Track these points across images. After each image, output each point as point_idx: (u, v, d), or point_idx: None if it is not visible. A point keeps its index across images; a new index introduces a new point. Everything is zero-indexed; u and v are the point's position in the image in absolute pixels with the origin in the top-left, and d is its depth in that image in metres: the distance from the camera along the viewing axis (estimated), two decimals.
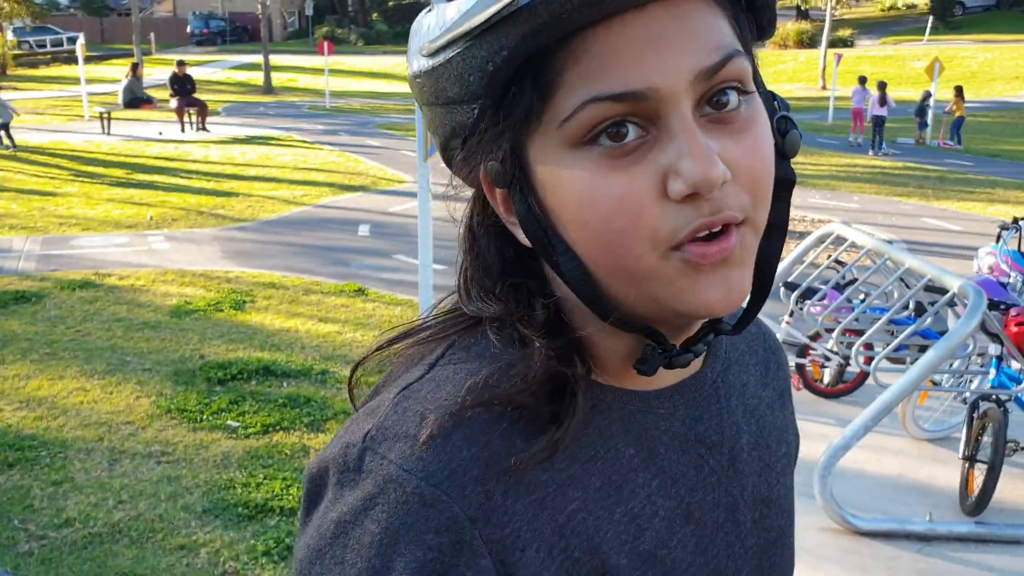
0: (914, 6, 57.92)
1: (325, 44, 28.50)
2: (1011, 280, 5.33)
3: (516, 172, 0.71)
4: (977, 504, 4.41)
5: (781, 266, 6.18)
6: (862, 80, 22.61)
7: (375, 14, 61.40)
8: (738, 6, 0.70)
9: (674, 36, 0.64)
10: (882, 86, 20.98)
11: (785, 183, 0.75)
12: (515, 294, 0.76)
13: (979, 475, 4.47)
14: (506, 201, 0.73)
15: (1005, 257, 5.46)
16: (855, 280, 5.73)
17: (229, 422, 5.54)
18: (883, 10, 59.16)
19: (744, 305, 0.78)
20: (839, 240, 5.84)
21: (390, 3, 60.36)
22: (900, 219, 13.04)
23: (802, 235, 8.32)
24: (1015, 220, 5.90)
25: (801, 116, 29.10)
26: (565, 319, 0.75)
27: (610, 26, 0.64)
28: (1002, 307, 4.72)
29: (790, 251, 6.28)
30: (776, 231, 0.75)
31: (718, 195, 0.65)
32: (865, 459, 5.16)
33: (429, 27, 0.70)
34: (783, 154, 0.74)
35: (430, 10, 0.71)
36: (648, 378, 0.76)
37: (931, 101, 22.35)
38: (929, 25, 48.00)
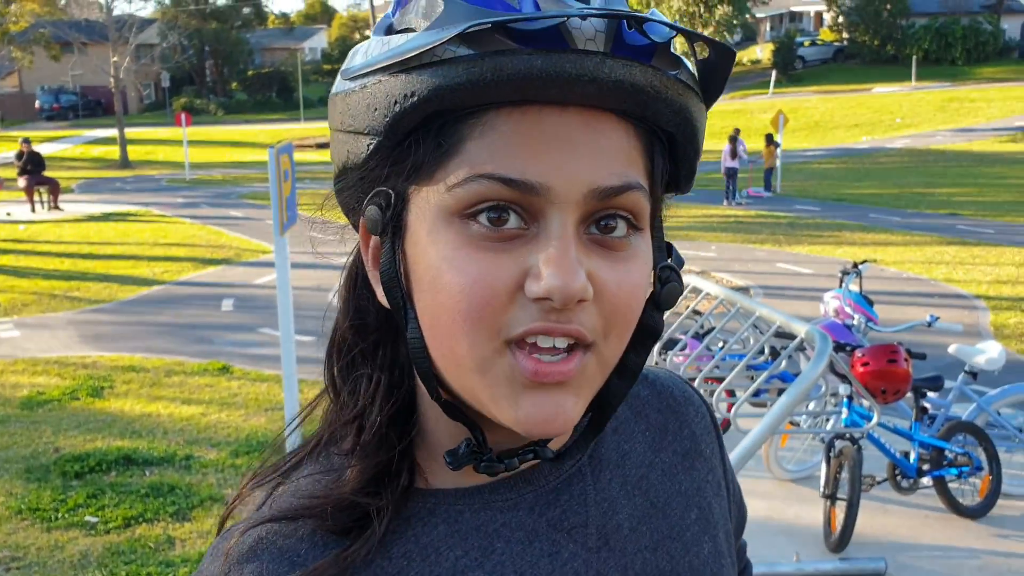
0: (758, 61, 61.50)
1: (183, 115, 27.92)
2: (855, 322, 5.64)
3: (392, 223, 0.69)
4: (840, 540, 4.58)
5: None
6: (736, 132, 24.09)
7: (234, 83, 60.65)
8: (658, 145, 0.70)
9: (583, 145, 0.64)
10: (732, 139, 22.10)
11: (650, 331, 0.72)
12: (365, 383, 0.75)
13: (840, 512, 4.65)
14: (376, 251, 0.72)
15: (848, 300, 5.78)
16: (713, 329, 5.93)
17: (87, 518, 5.23)
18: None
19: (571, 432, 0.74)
20: (696, 291, 6.05)
21: (249, 72, 59.81)
22: (755, 265, 13.63)
23: None
24: (855, 264, 6.26)
25: None
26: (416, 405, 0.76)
27: (525, 112, 0.63)
28: (847, 348, 4.98)
29: None
30: (628, 374, 0.72)
31: (574, 311, 0.64)
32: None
33: (364, 52, 0.69)
34: (657, 303, 0.73)
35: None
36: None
37: (779, 151, 23.59)
38: (773, 79, 50.95)
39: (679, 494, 0.84)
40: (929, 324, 5.51)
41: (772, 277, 12.54)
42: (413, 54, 0.63)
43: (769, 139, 23.01)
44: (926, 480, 5.08)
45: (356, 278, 0.78)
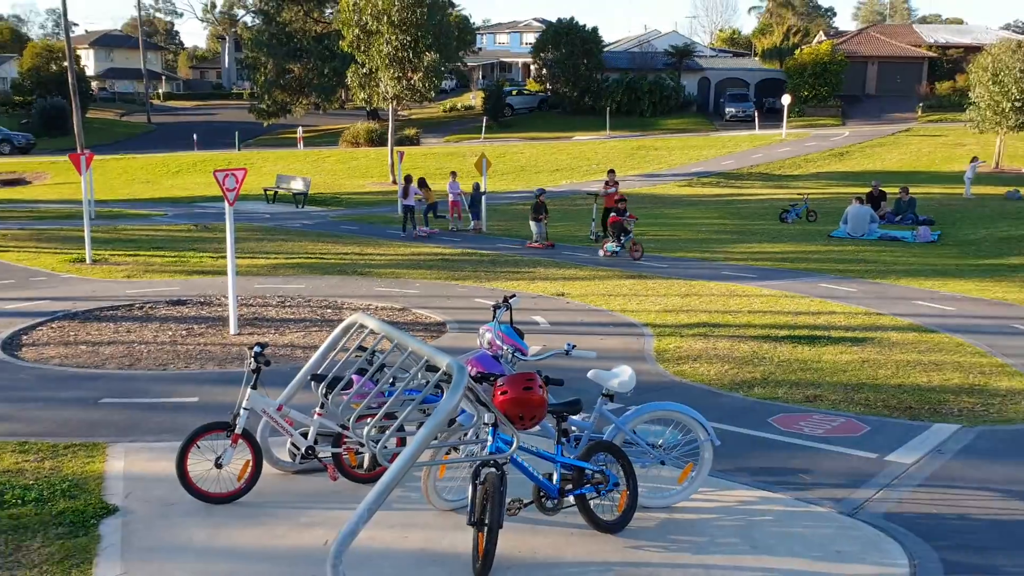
0: (472, 107, 63.93)
1: None
2: (504, 352, 5.90)
3: None
4: (483, 566, 4.71)
5: (312, 359, 6.27)
6: (453, 174, 26.09)
7: None
8: None
9: None
10: (407, 179, 24.13)
11: None
12: None
13: (485, 538, 4.79)
14: None
15: (499, 332, 6.06)
16: (384, 365, 5.96)
17: None
18: (445, 111, 64.50)
19: None
20: (365, 328, 6.06)
21: None
22: (456, 300, 13.99)
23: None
24: (505, 299, 6.58)
25: (375, 210, 30.32)
26: None
27: None
28: (491, 379, 5.18)
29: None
30: None
31: None
32: (392, 538, 5.32)
33: None
34: None
35: None
36: None
37: (478, 189, 24.59)
38: (484, 124, 53.14)
39: None
40: (567, 352, 5.88)
41: (469, 312, 12.90)
42: None
43: (421, 182, 25.45)
44: (570, 499, 5.38)
45: None
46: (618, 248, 19.29)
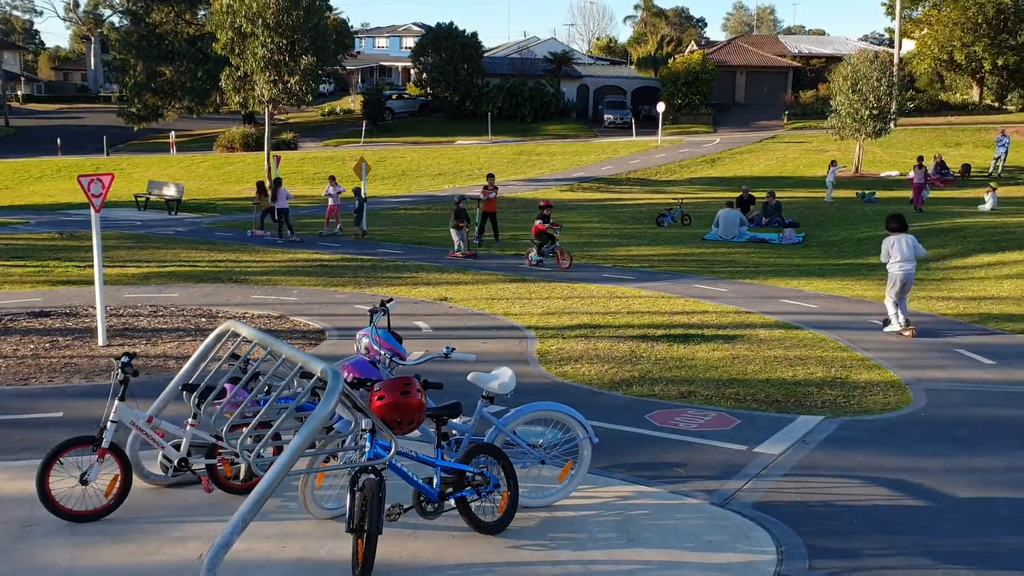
0: (351, 111, 63.14)
1: None
2: (381, 357, 5.87)
3: None
4: (362, 573, 4.67)
5: (183, 369, 6.09)
6: (331, 178, 25.49)
7: None
8: None
9: None
10: (277, 182, 23.91)
11: None
12: None
13: (365, 544, 4.75)
14: None
15: (376, 336, 6.02)
16: (258, 373, 5.83)
17: None
18: (324, 115, 63.51)
19: None
20: (238, 336, 5.91)
21: None
22: (336, 307, 13.80)
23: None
24: (382, 303, 6.55)
25: (251, 216, 29.63)
26: None
27: None
28: (369, 384, 5.15)
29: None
30: None
31: None
32: (270, 548, 5.21)
33: None
34: None
35: None
36: None
37: (360, 194, 24.34)
38: (364, 128, 52.59)
39: None
40: (446, 355, 5.89)
41: (349, 318, 12.75)
42: None
43: (259, 186, 25.85)
44: (451, 503, 5.39)
45: None
46: (542, 257, 18.68)
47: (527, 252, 19.40)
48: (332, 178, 25.39)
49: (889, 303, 12.08)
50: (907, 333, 11.83)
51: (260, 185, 25.98)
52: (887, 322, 12.18)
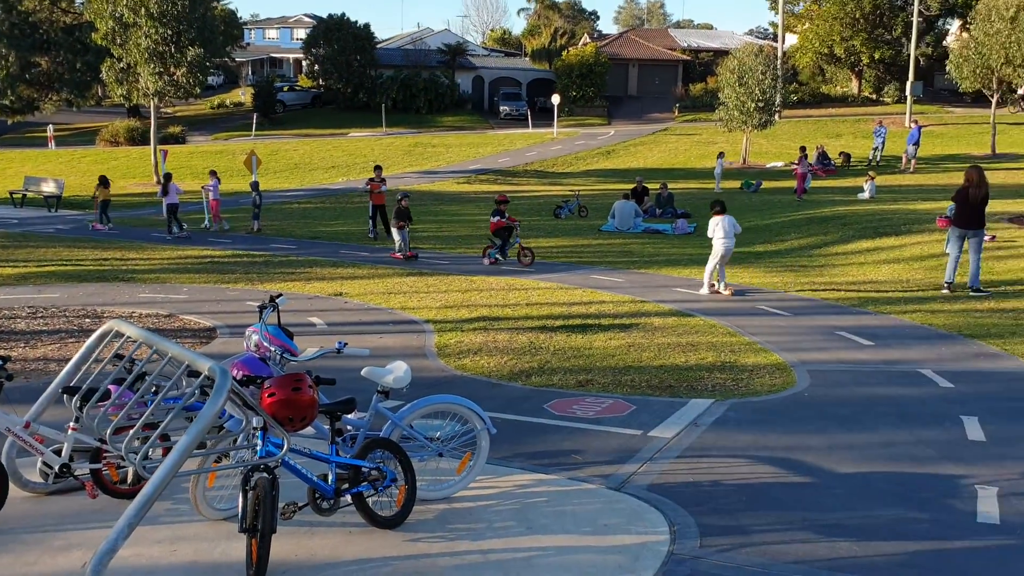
0: (241, 104, 61.61)
1: None
2: (272, 354, 5.76)
3: None
4: (256, 573, 4.58)
5: (63, 371, 5.84)
6: (212, 173, 25.04)
7: None
8: None
9: None
10: (167, 177, 23.54)
11: None
12: None
13: (258, 544, 4.65)
14: None
15: (266, 333, 5.90)
16: (144, 373, 5.64)
17: None
18: (212, 108, 61.78)
19: None
20: (122, 336, 5.70)
21: None
22: (226, 304, 13.46)
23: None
24: (272, 298, 6.41)
25: (138, 212, 28.62)
26: None
27: None
28: (259, 381, 5.04)
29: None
30: None
31: None
32: (159, 553, 5.05)
33: None
34: None
35: None
36: None
37: (258, 189, 23.81)
38: (255, 121, 51.38)
39: None
40: (339, 351, 5.82)
41: (241, 316, 12.46)
42: None
43: (102, 180, 25.20)
44: (347, 499, 5.33)
45: None
46: (501, 257, 17.95)
47: (483, 251, 18.57)
48: (212, 173, 24.74)
49: (707, 272, 14.51)
50: (727, 292, 14.32)
51: (103, 179, 25.39)
52: (713, 288, 14.41)
